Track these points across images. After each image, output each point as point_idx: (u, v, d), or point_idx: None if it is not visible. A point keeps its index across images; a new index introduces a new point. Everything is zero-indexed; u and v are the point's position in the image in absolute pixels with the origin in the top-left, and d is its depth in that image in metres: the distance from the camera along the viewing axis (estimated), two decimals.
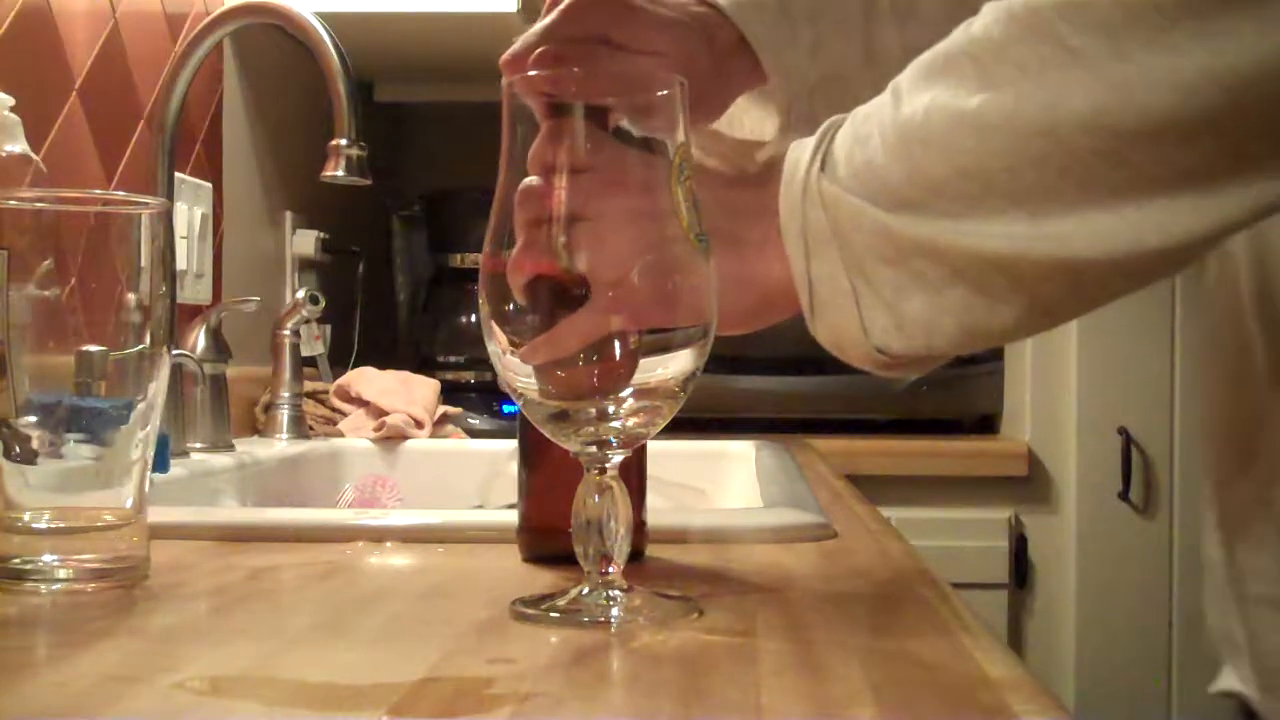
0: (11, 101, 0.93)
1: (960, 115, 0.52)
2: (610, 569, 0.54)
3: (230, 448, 1.30)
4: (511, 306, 0.53)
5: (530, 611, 0.54)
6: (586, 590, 0.54)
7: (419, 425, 1.49)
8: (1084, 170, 0.50)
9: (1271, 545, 0.71)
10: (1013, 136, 0.51)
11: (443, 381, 1.61)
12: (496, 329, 0.54)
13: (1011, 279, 0.53)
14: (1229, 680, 0.76)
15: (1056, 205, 0.51)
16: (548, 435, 0.55)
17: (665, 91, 0.54)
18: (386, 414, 1.48)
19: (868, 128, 0.55)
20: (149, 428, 0.61)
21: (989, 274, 0.53)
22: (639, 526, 0.66)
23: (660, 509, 0.74)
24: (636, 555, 0.66)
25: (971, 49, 0.53)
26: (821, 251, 0.55)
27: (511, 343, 0.53)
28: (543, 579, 0.63)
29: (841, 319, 0.56)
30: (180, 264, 1.41)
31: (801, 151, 0.57)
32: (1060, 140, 0.50)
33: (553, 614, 0.53)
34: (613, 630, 0.52)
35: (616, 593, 0.54)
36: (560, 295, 0.53)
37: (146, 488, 0.62)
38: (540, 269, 0.53)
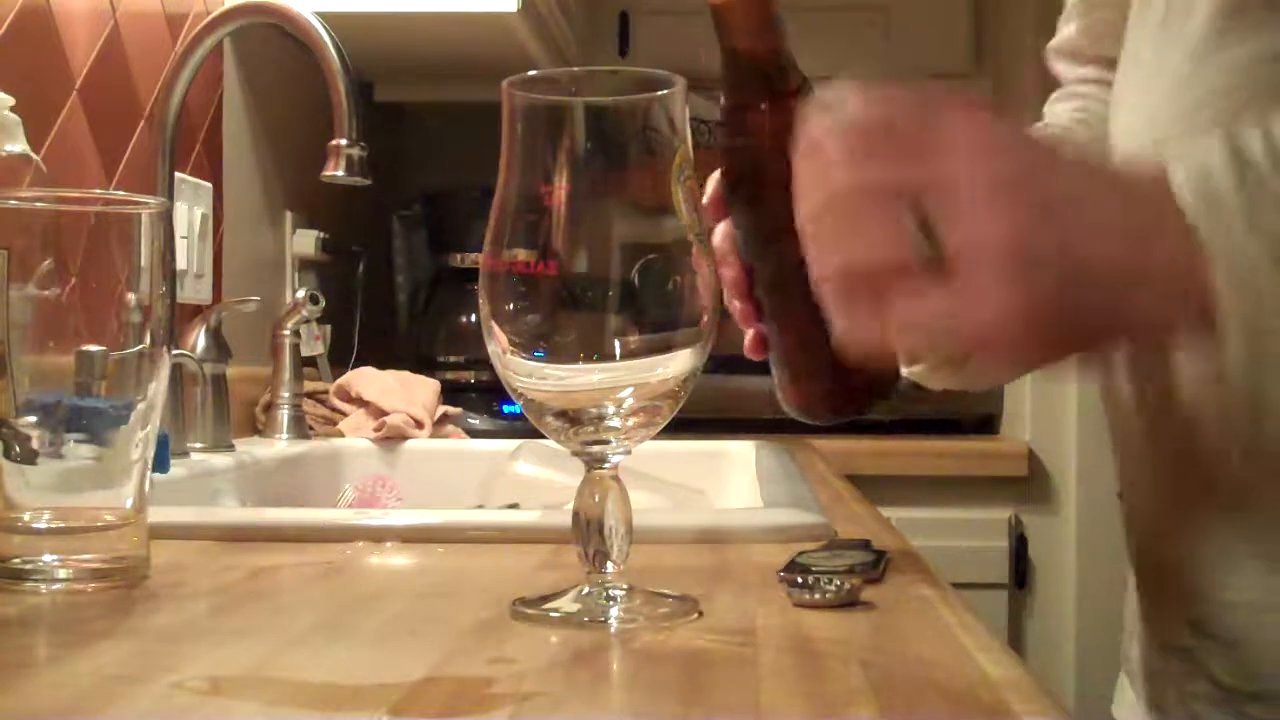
0: (11, 101, 0.93)
1: None
2: (610, 568, 0.54)
3: (230, 448, 1.30)
4: (512, 306, 0.53)
5: (530, 611, 0.54)
6: (586, 590, 0.54)
7: (419, 425, 1.49)
8: None
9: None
10: None
11: (443, 381, 1.61)
12: (496, 329, 0.54)
13: None
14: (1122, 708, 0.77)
15: None
16: (548, 435, 0.55)
17: (666, 91, 0.54)
18: (386, 414, 1.48)
19: None
20: (149, 428, 0.61)
21: None
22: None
23: (660, 509, 0.74)
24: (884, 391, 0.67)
25: None
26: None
27: (512, 343, 0.53)
28: (543, 579, 0.63)
29: None
30: (180, 264, 1.41)
31: (1233, 230, 0.47)
32: None
33: (553, 614, 0.53)
34: (612, 630, 0.52)
35: (617, 593, 0.54)
36: (561, 295, 0.53)
37: (146, 488, 0.62)
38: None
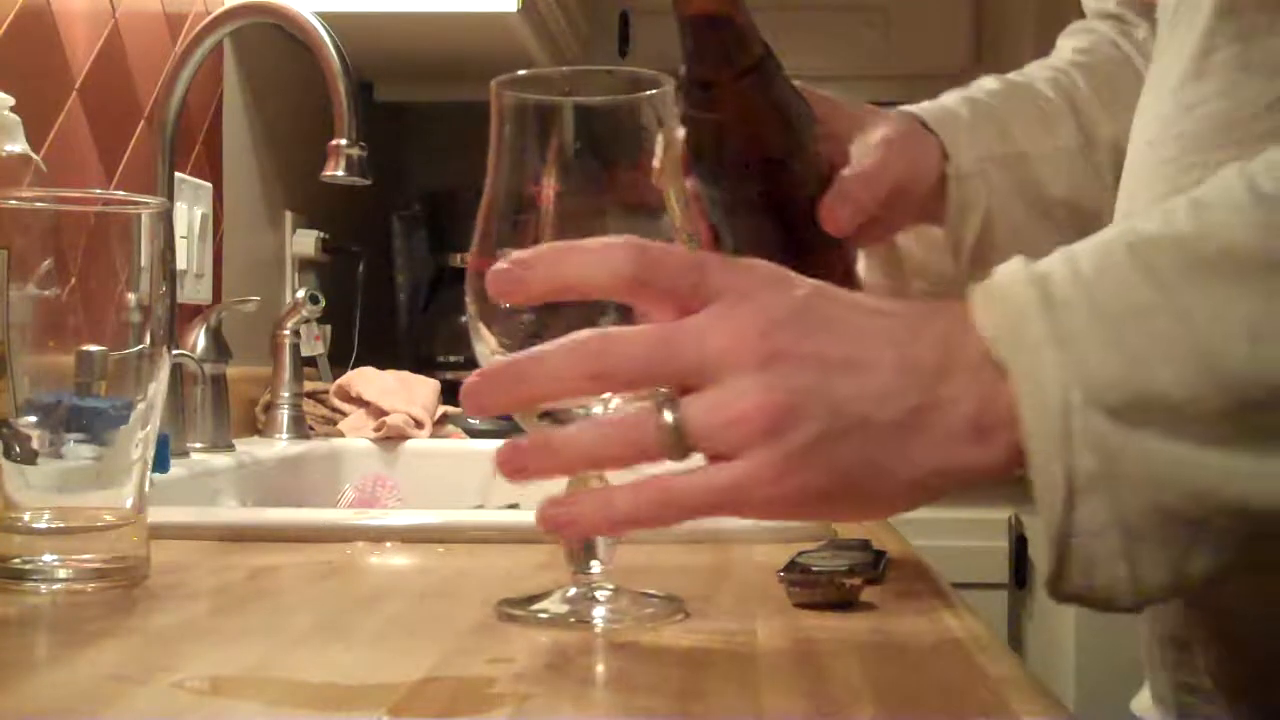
0: (11, 101, 0.93)
1: None
2: (595, 568, 0.54)
3: (230, 448, 1.30)
4: (502, 306, 0.53)
5: (517, 613, 0.53)
6: (573, 591, 0.54)
7: (419, 425, 1.49)
8: None
9: None
10: None
11: (443, 381, 1.61)
12: (484, 330, 0.53)
13: None
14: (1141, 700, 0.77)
15: None
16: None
17: (656, 91, 0.54)
18: (386, 414, 1.48)
19: (1141, 342, 0.43)
20: (149, 428, 0.61)
21: None
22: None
23: None
24: None
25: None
26: (1089, 502, 0.44)
27: (501, 343, 0.53)
28: (543, 579, 0.63)
29: (1108, 579, 0.45)
30: (180, 264, 1.41)
31: (1038, 359, 0.44)
32: None
33: (540, 615, 0.53)
34: (597, 631, 0.52)
35: (602, 593, 0.54)
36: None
37: (146, 488, 0.62)
38: None
